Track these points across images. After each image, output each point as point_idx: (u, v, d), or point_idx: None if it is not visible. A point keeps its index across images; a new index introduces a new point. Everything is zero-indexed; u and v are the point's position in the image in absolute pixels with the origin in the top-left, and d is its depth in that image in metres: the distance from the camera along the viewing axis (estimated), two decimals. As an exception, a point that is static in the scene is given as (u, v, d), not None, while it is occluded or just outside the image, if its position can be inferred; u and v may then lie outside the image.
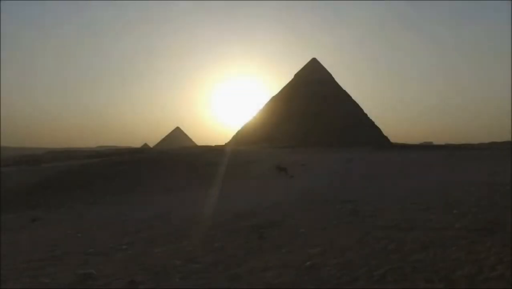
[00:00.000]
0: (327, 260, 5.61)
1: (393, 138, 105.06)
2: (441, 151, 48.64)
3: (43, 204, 18.05)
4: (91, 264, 6.29)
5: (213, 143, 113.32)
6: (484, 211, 8.45)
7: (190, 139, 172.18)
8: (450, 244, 6.04)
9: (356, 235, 7.00)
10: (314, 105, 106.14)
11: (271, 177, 22.45)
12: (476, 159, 29.56)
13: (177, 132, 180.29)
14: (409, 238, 6.53)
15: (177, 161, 32.18)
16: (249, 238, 7.49)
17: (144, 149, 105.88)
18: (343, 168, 24.67)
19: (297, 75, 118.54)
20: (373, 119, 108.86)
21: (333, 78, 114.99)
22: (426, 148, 67.29)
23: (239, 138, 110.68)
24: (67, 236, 9.46)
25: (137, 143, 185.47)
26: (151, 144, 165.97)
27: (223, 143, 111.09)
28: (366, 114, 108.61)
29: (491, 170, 18.93)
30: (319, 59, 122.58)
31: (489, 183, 13.92)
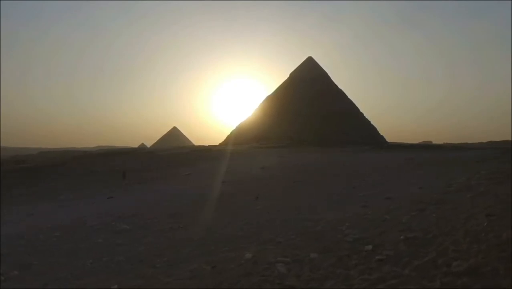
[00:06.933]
0: None
1: (392, 138, 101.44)
2: (416, 152, 43.95)
3: None
4: None
5: (212, 143, 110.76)
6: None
7: (187, 139, 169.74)
8: None
9: None
10: (309, 104, 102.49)
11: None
12: (434, 164, 25.20)
13: (175, 132, 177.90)
14: None
15: (87, 167, 28.94)
16: None
17: (134, 149, 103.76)
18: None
19: (292, 74, 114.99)
20: (370, 118, 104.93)
21: (328, 77, 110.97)
22: (413, 148, 62.73)
23: (233, 138, 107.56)
24: None
25: (137, 143, 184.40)
26: (149, 144, 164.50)
27: (219, 143, 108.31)
28: (362, 114, 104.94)
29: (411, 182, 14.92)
30: (318, 58, 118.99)
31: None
